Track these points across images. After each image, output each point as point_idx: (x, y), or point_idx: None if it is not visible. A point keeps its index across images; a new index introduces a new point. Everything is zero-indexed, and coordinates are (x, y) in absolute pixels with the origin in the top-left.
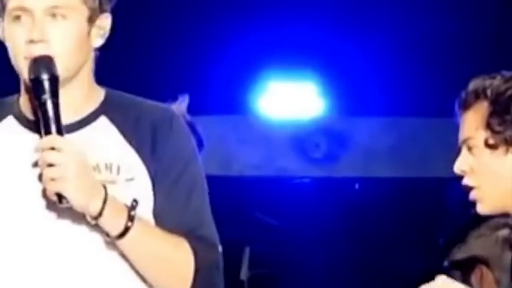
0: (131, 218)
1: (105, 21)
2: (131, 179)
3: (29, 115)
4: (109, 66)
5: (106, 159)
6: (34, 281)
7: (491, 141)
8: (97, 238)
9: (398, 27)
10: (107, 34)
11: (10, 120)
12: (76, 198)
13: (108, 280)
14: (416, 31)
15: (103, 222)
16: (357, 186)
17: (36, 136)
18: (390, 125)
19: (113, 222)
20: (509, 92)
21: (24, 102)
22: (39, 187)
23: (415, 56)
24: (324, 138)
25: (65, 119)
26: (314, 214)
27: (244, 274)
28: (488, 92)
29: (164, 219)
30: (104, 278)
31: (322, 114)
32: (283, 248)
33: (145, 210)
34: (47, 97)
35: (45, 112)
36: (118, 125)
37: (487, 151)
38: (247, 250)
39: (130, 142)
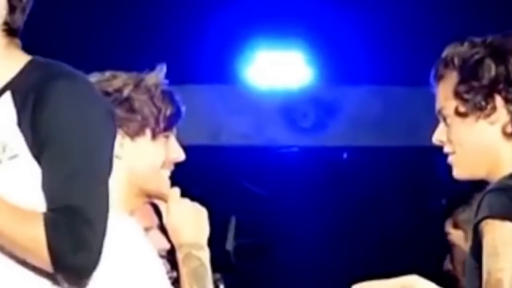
0: None
1: None
2: (15, 156)
3: None
4: (95, 37)
5: None
6: None
7: (461, 109)
8: None
9: None
10: None
11: None
12: None
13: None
14: None
15: None
16: (345, 155)
17: None
18: (378, 94)
19: None
20: (475, 58)
21: None
22: None
23: (403, 23)
24: (312, 107)
25: None
26: (302, 183)
27: (230, 244)
28: (456, 60)
29: (45, 198)
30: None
31: (310, 83)
32: (270, 218)
33: (34, 190)
34: None
35: None
36: (17, 101)
37: (458, 119)
38: (233, 220)
39: (18, 116)
